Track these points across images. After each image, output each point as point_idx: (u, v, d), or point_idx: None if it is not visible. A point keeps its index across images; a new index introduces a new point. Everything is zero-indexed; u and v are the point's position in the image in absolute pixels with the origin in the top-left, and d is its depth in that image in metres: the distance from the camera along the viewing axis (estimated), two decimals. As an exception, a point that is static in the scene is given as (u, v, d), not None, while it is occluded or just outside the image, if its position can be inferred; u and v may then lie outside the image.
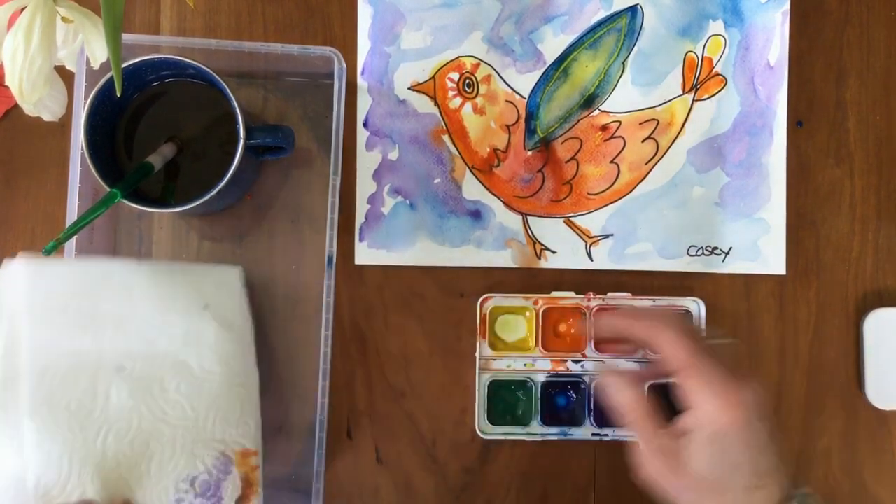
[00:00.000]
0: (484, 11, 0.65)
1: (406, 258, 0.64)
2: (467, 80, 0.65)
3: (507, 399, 0.64)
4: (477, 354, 0.63)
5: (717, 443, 0.45)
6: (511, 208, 0.65)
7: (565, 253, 0.65)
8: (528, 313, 0.64)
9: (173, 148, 0.59)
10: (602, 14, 0.65)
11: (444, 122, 0.65)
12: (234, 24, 0.65)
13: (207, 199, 0.56)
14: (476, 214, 0.65)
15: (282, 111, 0.65)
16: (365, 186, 0.65)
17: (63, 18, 0.53)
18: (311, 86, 0.65)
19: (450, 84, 0.65)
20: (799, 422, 0.65)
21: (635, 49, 0.65)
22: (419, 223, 0.65)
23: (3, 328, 0.55)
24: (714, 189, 0.65)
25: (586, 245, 0.65)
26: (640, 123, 0.65)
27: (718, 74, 0.65)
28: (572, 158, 0.65)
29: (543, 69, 0.65)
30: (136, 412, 0.56)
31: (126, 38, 0.56)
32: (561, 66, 0.65)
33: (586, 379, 0.64)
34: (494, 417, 0.64)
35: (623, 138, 0.65)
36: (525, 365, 0.64)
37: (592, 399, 0.64)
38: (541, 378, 0.64)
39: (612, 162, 0.65)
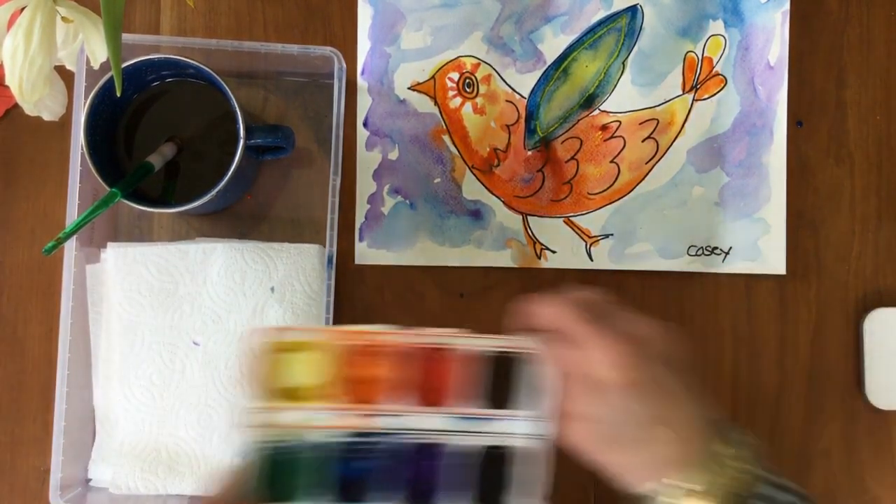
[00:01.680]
0: (484, 11, 0.65)
1: (406, 258, 0.64)
2: (467, 80, 0.65)
3: (288, 468, 0.47)
4: (247, 409, 0.47)
5: (595, 396, 0.45)
6: (511, 208, 0.65)
7: (565, 253, 0.65)
8: (321, 351, 0.47)
9: (173, 148, 0.59)
10: (602, 14, 0.65)
11: (444, 121, 0.65)
12: (234, 24, 0.65)
13: (207, 199, 0.56)
14: (476, 214, 0.65)
15: (282, 111, 0.65)
16: (365, 186, 0.65)
17: (63, 18, 0.53)
18: (312, 85, 0.65)
19: (450, 84, 0.65)
20: (799, 422, 0.65)
21: (635, 49, 0.65)
22: (419, 223, 0.65)
23: (104, 310, 0.62)
24: (714, 189, 0.65)
25: (586, 245, 0.65)
26: (640, 123, 0.65)
27: (718, 74, 0.65)
28: (572, 158, 0.65)
29: (543, 69, 0.65)
30: (204, 387, 0.62)
31: (126, 38, 0.56)
32: (561, 65, 0.65)
33: (395, 441, 0.48)
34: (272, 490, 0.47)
35: (623, 138, 0.65)
36: (317, 420, 0.47)
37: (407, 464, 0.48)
38: (337, 438, 0.47)
39: (612, 162, 0.65)
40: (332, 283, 0.60)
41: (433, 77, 0.65)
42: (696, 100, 0.65)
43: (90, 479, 0.62)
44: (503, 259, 0.65)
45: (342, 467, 0.47)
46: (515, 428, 0.48)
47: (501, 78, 0.65)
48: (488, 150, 0.65)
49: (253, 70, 0.64)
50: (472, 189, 0.65)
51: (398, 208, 0.65)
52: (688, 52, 0.65)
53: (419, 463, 0.48)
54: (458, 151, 0.65)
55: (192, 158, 0.60)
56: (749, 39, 0.65)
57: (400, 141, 0.65)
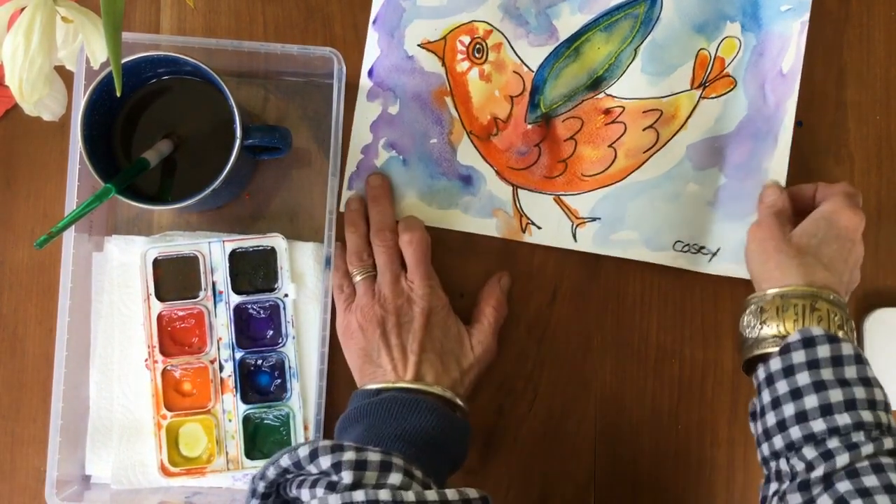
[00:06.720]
0: None
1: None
2: (478, 46, 0.64)
3: None
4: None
5: (822, 223, 0.57)
6: (503, 178, 0.65)
7: (550, 230, 0.64)
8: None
9: (170, 145, 0.59)
10: None
11: (449, 83, 0.65)
12: (234, 24, 0.65)
13: (201, 197, 0.56)
14: (467, 180, 0.65)
15: (282, 111, 0.65)
16: (361, 136, 0.64)
17: (63, 18, 0.53)
18: (311, 85, 0.65)
19: (460, 47, 0.64)
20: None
21: (649, 37, 0.64)
22: (409, 180, 0.64)
23: (105, 303, 0.62)
24: (709, 188, 0.64)
25: (573, 225, 0.64)
26: (644, 112, 0.64)
27: (729, 76, 0.64)
28: (571, 138, 0.65)
29: (555, 45, 0.65)
30: None
31: (126, 37, 0.56)
32: (573, 44, 0.65)
33: None
34: None
35: (624, 124, 0.64)
36: None
37: None
38: None
39: (610, 146, 0.64)
40: (331, 284, 0.60)
41: (444, 38, 0.64)
42: (704, 97, 0.65)
43: (89, 476, 0.63)
44: (487, 227, 0.64)
45: None
46: None
47: (512, 48, 0.64)
48: (489, 118, 0.65)
49: (253, 70, 0.64)
50: (467, 154, 0.65)
51: (391, 163, 0.64)
52: (701, 49, 0.64)
53: None
54: (459, 115, 0.65)
55: (189, 156, 0.60)
56: (764, 45, 0.64)
57: (402, 96, 0.64)
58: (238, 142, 0.56)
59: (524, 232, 0.65)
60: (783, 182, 0.64)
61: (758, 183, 0.64)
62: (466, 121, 0.65)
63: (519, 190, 0.65)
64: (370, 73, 0.64)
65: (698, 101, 0.65)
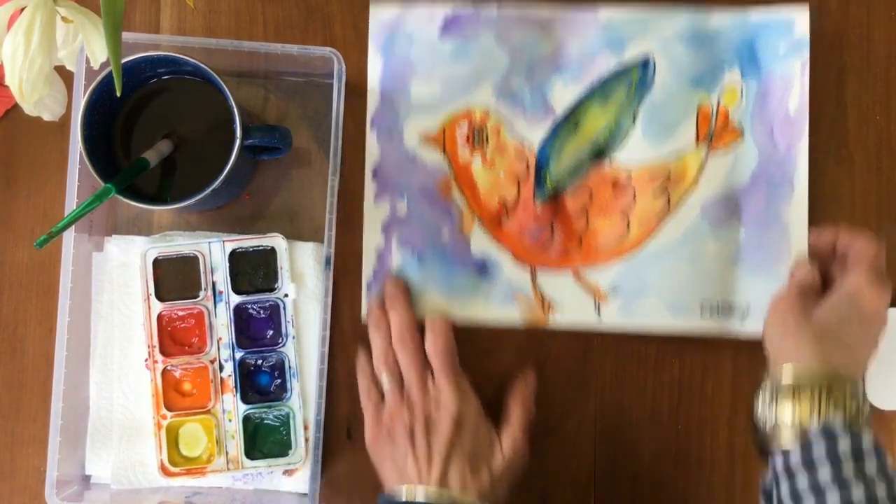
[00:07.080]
0: (493, 62, 0.64)
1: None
2: (477, 132, 0.64)
3: None
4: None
5: (845, 303, 0.56)
6: (519, 261, 0.64)
7: (574, 309, 0.63)
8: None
9: (170, 145, 0.59)
10: (613, 63, 0.63)
11: (454, 174, 0.64)
12: (234, 24, 0.65)
13: (201, 197, 0.56)
14: (483, 268, 0.64)
15: (282, 110, 0.65)
16: (373, 240, 0.64)
17: (63, 18, 0.53)
18: (311, 85, 0.65)
19: (459, 135, 0.64)
20: (799, 422, 0.65)
21: (647, 100, 0.63)
22: (427, 277, 0.64)
23: (105, 302, 0.63)
24: (729, 244, 0.63)
25: (595, 301, 0.64)
26: (652, 176, 0.63)
27: (735, 125, 0.63)
28: (582, 211, 0.64)
29: (553, 120, 0.64)
30: None
31: (126, 37, 0.56)
32: (571, 117, 0.64)
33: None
34: None
35: (633, 190, 0.63)
36: None
37: None
38: None
39: (622, 215, 0.63)
40: (331, 284, 0.61)
41: (443, 128, 0.64)
42: (712, 150, 0.63)
43: (89, 476, 0.63)
44: (510, 313, 0.63)
45: None
46: None
47: (511, 129, 0.64)
48: (497, 202, 0.64)
49: (253, 70, 0.64)
50: (481, 242, 0.64)
51: (406, 262, 0.64)
52: (702, 103, 0.63)
53: None
54: (467, 204, 0.64)
55: (189, 156, 0.60)
56: (767, 89, 0.63)
57: (409, 194, 0.64)
58: (238, 142, 0.56)
59: (547, 313, 0.63)
60: (805, 226, 0.63)
61: (779, 231, 0.63)
62: (476, 209, 0.64)
63: (537, 271, 0.64)
64: (374, 174, 0.64)
65: (707, 157, 0.63)
